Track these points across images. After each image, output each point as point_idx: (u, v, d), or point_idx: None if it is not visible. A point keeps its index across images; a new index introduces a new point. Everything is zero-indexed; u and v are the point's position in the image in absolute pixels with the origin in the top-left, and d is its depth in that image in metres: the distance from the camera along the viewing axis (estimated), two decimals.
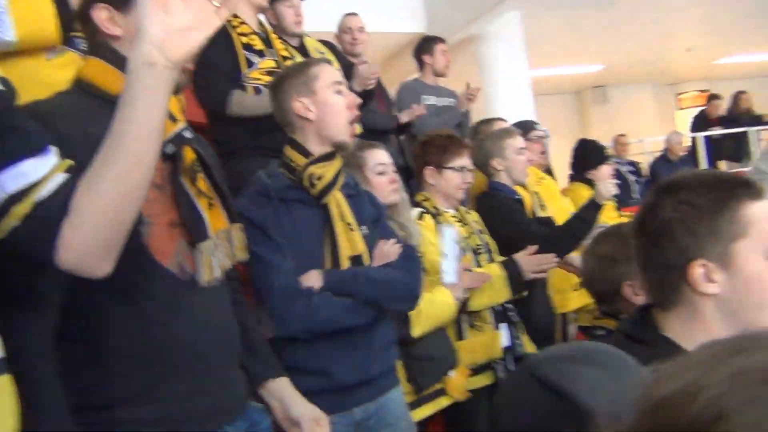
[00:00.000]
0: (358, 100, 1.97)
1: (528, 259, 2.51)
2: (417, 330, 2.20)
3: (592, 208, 2.79)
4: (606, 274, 1.75)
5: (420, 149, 2.78)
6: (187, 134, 1.40)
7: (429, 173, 2.69)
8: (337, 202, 1.91)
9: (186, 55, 1.04)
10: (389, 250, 1.93)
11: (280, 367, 1.66)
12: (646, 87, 13.21)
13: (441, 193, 2.68)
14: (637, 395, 0.39)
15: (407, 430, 1.99)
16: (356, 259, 1.89)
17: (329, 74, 1.92)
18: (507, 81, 6.72)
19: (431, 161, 2.68)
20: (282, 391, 1.62)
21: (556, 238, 2.74)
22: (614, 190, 2.85)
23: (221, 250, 1.42)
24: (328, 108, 1.88)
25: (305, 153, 1.90)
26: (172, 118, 1.36)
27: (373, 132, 3.68)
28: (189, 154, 1.40)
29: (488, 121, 3.77)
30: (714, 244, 1.05)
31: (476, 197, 3.06)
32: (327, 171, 1.89)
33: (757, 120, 9.14)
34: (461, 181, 2.67)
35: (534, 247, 2.52)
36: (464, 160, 2.68)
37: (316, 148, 1.90)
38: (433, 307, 2.25)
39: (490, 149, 3.05)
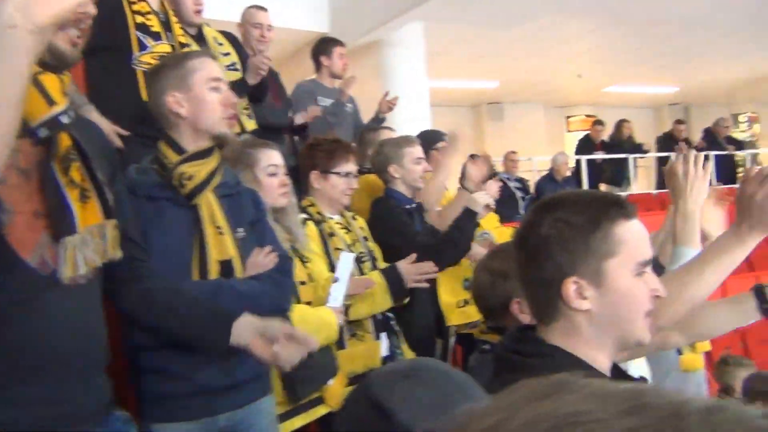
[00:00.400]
0: (235, 99, 1.88)
1: (409, 267, 2.50)
2: None
3: (468, 216, 2.85)
4: (496, 289, 1.77)
5: (306, 152, 2.73)
6: (65, 119, 1.30)
7: (315, 177, 2.64)
8: (209, 204, 1.82)
9: (52, 20, 0.96)
10: (262, 261, 1.86)
11: (231, 311, 1.61)
12: (539, 107, 13.75)
13: (326, 197, 2.64)
14: None
15: None
16: (226, 264, 1.81)
17: (207, 69, 1.83)
18: (406, 89, 6.78)
19: (317, 165, 2.64)
20: (249, 325, 1.57)
21: (438, 248, 2.77)
22: (488, 200, 2.94)
23: (90, 246, 1.33)
24: (202, 105, 1.80)
25: (178, 150, 1.81)
26: (49, 100, 1.26)
27: (267, 128, 3.60)
28: (64, 141, 1.31)
29: (374, 129, 3.77)
30: (587, 262, 1.08)
31: (372, 202, 3.05)
32: (199, 171, 1.80)
33: (636, 148, 9.71)
34: (347, 186, 2.65)
35: (414, 256, 2.52)
36: (350, 166, 2.66)
37: (190, 145, 1.82)
38: (316, 326, 2.17)
39: (388, 155, 3.04)
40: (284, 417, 2.15)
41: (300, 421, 2.22)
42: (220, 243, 1.80)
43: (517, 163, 8.35)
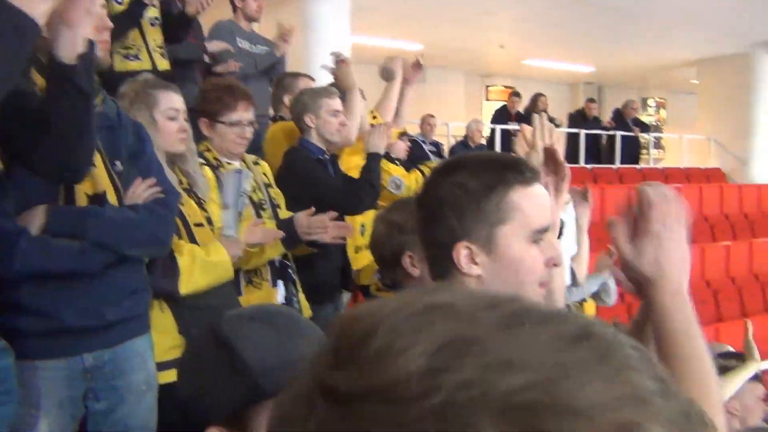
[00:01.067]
0: (109, 23, 1.77)
1: (304, 220, 2.46)
2: (185, 287, 2.06)
3: (372, 158, 2.93)
4: (391, 240, 1.78)
5: (197, 98, 2.58)
6: None
7: (203, 125, 2.51)
8: None
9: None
10: (141, 193, 1.79)
11: None
12: (460, 74, 13.87)
13: (217, 146, 2.53)
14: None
15: (146, 382, 1.90)
16: (97, 198, 1.73)
17: None
18: (328, 42, 6.69)
19: (205, 113, 2.51)
20: None
21: (354, 191, 2.81)
22: (380, 143, 3.03)
23: None
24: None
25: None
26: None
27: (179, 64, 3.49)
28: None
29: (294, 76, 3.71)
30: (479, 228, 1.06)
31: (285, 152, 3.01)
32: None
33: (548, 121, 9.96)
34: (236, 136, 2.51)
35: (312, 209, 2.49)
36: (240, 114, 2.51)
37: None
38: (207, 266, 2.12)
39: (305, 104, 2.99)
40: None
41: None
42: (91, 175, 1.71)
43: (434, 128, 8.42)
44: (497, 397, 0.32)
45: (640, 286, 1.01)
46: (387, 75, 3.61)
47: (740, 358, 2.70)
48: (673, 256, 0.97)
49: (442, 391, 0.32)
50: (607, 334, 0.36)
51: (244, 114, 2.53)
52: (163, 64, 3.30)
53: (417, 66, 3.72)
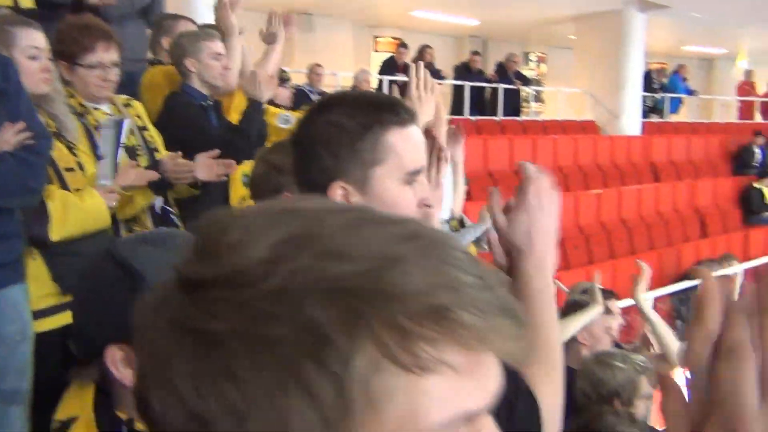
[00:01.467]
0: None
1: (170, 163, 2.38)
2: (56, 233, 1.98)
3: (253, 107, 2.87)
4: (270, 181, 1.79)
5: (54, 39, 2.38)
6: None
7: (63, 68, 2.33)
8: None
9: None
10: (9, 138, 1.71)
11: None
12: (348, 24, 13.74)
13: (80, 89, 2.37)
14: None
15: (20, 332, 1.84)
16: None
17: None
18: None
19: (63, 55, 2.31)
20: None
21: (232, 141, 2.75)
22: (267, 91, 2.96)
23: None
24: None
25: None
26: None
27: (45, 6, 3.28)
28: None
29: (173, 18, 3.56)
30: (354, 168, 1.06)
31: (165, 97, 2.91)
32: None
33: (435, 73, 10.13)
34: (97, 78, 2.34)
35: (180, 153, 2.40)
36: (101, 55, 2.33)
37: None
38: (80, 212, 2.04)
39: (185, 48, 2.87)
40: (54, 310, 2.04)
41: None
42: None
43: (321, 77, 8.37)
44: (325, 282, 0.36)
45: (508, 253, 1.05)
46: (269, 39, 3.50)
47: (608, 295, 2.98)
48: (542, 230, 1.01)
49: (277, 277, 0.37)
50: (436, 237, 0.41)
51: (104, 55, 2.35)
52: (26, 2, 3.08)
53: (287, 23, 3.64)
